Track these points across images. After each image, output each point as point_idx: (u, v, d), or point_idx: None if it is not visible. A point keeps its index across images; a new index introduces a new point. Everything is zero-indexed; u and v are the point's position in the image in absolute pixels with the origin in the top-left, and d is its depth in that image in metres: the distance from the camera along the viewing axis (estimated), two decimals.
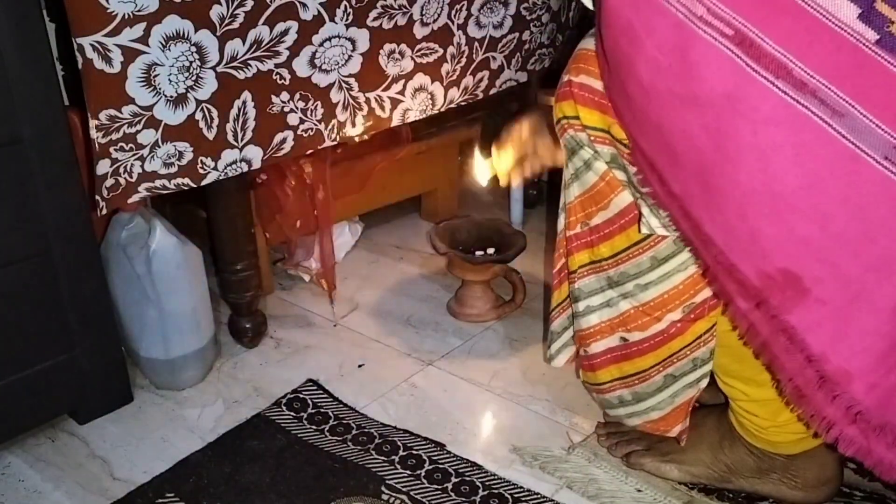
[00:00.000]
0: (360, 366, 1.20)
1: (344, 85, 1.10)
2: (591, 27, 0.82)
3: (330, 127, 1.12)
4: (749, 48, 0.63)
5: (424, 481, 0.95)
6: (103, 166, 0.93)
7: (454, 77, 1.24)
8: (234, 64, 0.97)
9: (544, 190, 1.73)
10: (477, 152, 1.17)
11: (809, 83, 0.62)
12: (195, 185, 1.03)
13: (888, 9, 0.60)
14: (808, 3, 0.62)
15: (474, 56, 1.25)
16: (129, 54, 0.88)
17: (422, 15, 1.13)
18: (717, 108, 0.65)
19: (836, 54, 0.61)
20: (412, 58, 1.16)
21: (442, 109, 1.26)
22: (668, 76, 0.67)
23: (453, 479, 0.96)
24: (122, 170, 0.95)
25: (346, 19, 1.05)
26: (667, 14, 0.65)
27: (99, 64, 0.86)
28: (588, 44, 0.81)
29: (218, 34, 0.93)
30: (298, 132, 1.09)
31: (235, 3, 0.93)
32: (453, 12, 1.17)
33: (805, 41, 0.62)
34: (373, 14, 1.07)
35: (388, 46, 1.12)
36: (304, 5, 0.99)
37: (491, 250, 1.30)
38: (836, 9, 0.61)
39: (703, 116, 0.66)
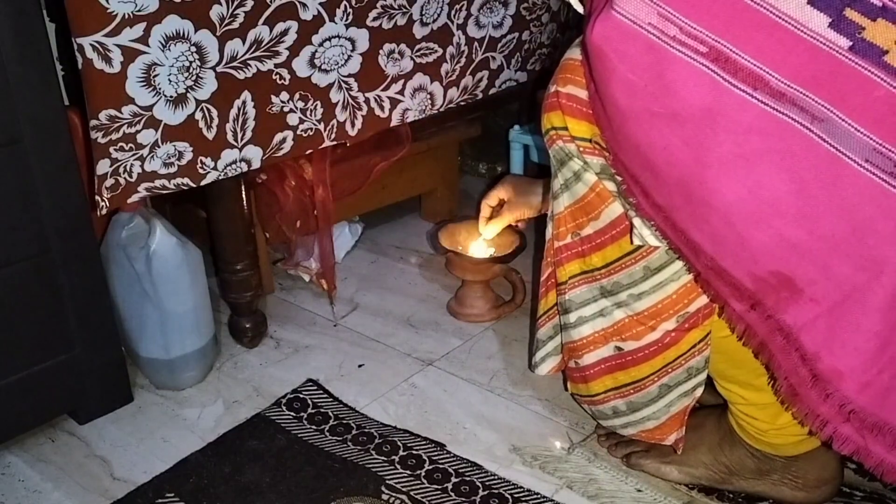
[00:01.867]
0: (360, 366, 1.20)
1: (343, 85, 1.10)
2: None
3: (329, 127, 1.12)
4: (725, 63, 0.64)
5: (424, 481, 0.95)
6: (103, 166, 0.93)
7: (454, 77, 1.24)
8: (234, 64, 0.97)
9: None
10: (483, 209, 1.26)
11: (787, 92, 0.63)
12: (195, 185, 1.03)
13: (858, 16, 0.61)
14: (779, 15, 0.63)
15: (474, 56, 1.25)
16: (129, 54, 0.88)
17: (421, 15, 1.13)
18: (697, 123, 0.66)
19: (810, 63, 0.62)
20: (412, 58, 1.16)
21: (441, 109, 1.26)
22: (644, 96, 0.68)
23: (453, 479, 0.96)
24: (121, 170, 0.95)
25: (346, 19, 1.05)
26: (638, 37, 0.67)
27: (99, 64, 0.86)
28: (574, 53, 0.80)
29: (218, 34, 0.93)
30: (298, 132, 1.09)
31: (235, 3, 0.93)
32: (453, 12, 1.17)
33: (779, 52, 0.63)
34: (372, 14, 1.07)
35: (387, 46, 1.12)
36: (304, 5, 0.99)
37: (491, 250, 1.30)
38: (806, 19, 0.62)
39: (682, 131, 0.67)
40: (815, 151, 0.63)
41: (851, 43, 0.61)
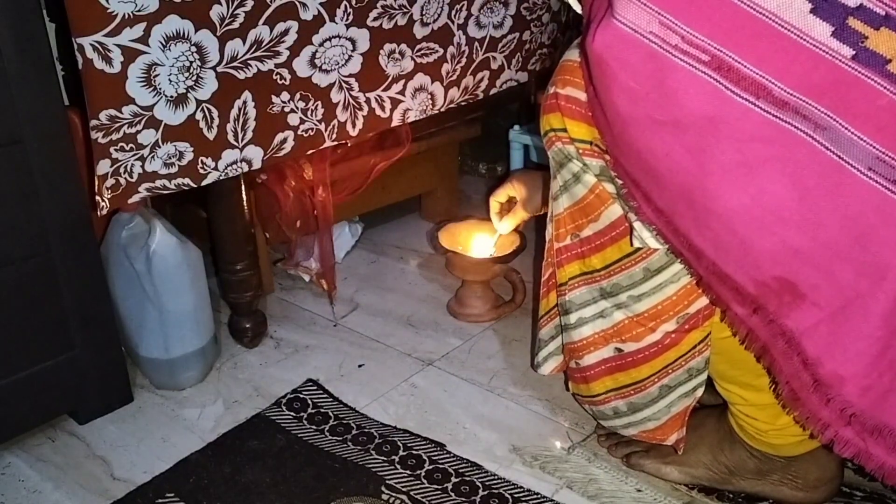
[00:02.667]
0: (360, 366, 1.20)
1: (344, 85, 1.10)
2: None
3: (330, 127, 1.12)
4: (727, 72, 0.64)
5: (424, 481, 0.95)
6: (103, 166, 0.93)
7: (454, 77, 1.23)
8: (235, 64, 0.97)
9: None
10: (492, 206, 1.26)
11: (790, 101, 0.63)
12: (195, 186, 1.03)
13: (861, 25, 0.61)
14: (781, 24, 0.63)
15: (474, 56, 1.24)
16: (129, 54, 0.88)
17: (422, 15, 1.13)
18: (699, 131, 0.66)
19: (813, 72, 0.62)
20: (412, 58, 1.16)
21: (442, 109, 1.26)
22: (646, 104, 0.68)
23: (453, 479, 0.96)
24: (122, 170, 0.95)
25: (347, 19, 1.05)
26: (639, 46, 0.66)
27: (99, 64, 0.86)
28: (573, 55, 0.80)
29: (218, 34, 0.93)
30: (299, 132, 1.09)
31: (235, 3, 0.93)
32: (453, 12, 1.17)
33: (782, 61, 0.63)
34: (373, 14, 1.07)
35: (388, 46, 1.12)
36: (304, 5, 0.99)
37: (491, 250, 1.30)
38: (809, 28, 0.62)
39: (684, 139, 0.66)
40: (818, 159, 0.63)
41: (854, 52, 0.61)
